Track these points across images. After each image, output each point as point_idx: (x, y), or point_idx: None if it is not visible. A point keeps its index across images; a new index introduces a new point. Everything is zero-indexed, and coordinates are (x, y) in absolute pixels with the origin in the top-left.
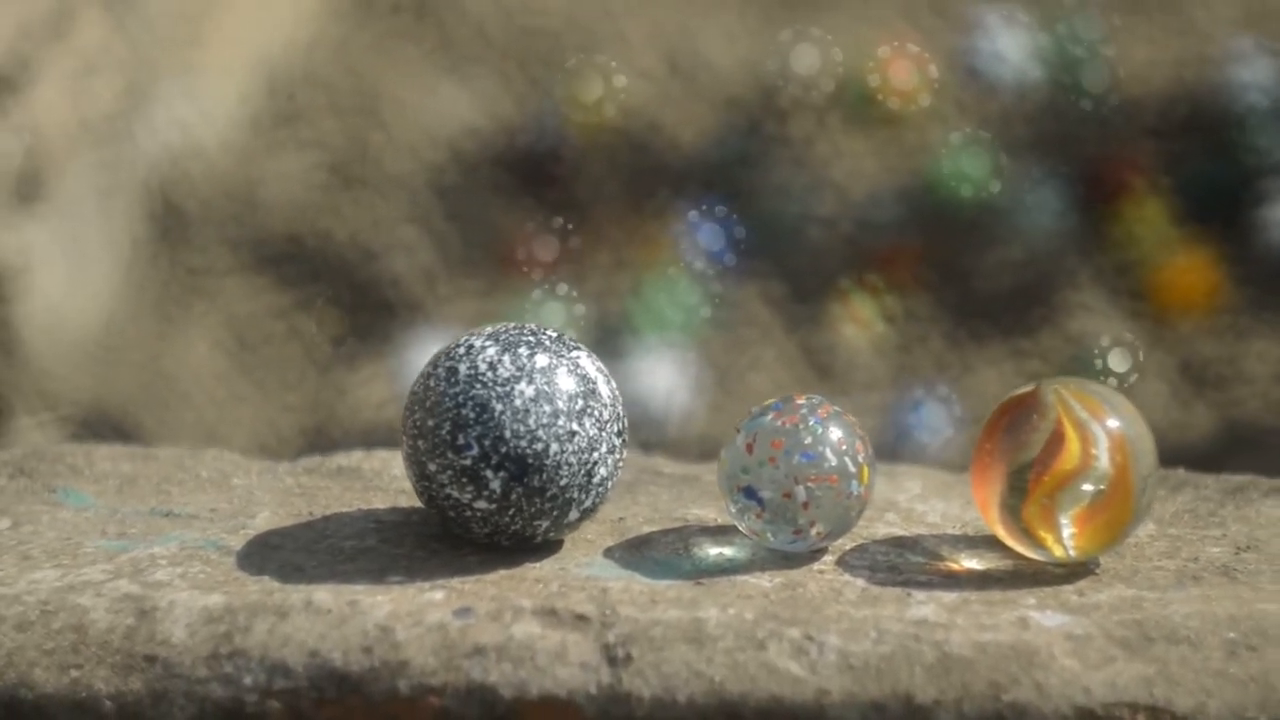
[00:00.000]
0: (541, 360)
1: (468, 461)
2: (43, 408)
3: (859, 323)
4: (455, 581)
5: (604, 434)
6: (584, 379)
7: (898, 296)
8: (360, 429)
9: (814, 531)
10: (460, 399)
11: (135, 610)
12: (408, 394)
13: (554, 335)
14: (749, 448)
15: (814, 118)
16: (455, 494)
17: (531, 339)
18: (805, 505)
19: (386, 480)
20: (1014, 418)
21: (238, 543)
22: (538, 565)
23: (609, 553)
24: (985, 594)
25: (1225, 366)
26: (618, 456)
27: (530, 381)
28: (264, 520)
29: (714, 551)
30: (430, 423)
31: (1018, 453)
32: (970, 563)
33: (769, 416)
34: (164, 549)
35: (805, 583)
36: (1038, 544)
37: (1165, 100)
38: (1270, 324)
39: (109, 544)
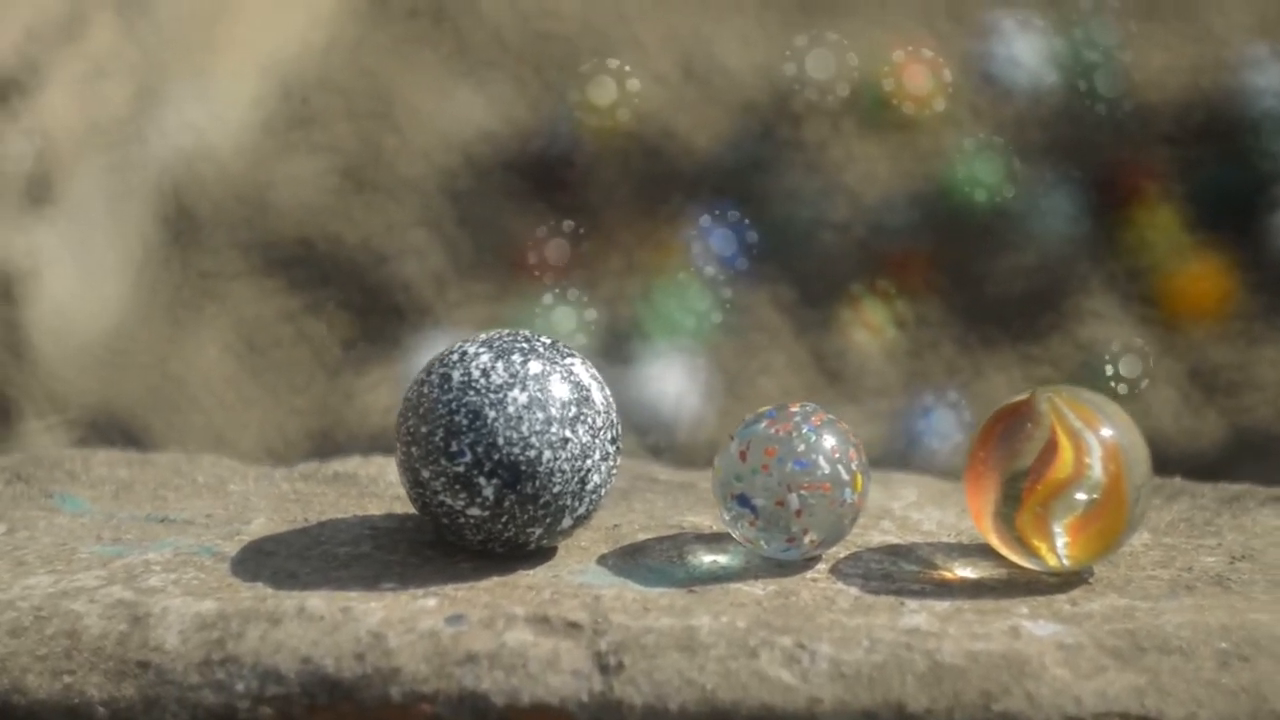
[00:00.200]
0: (535, 367)
1: (461, 468)
2: (51, 411)
3: (870, 328)
4: (448, 588)
5: (597, 441)
6: (577, 386)
7: (909, 302)
8: (368, 433)
9: (807, 539)
10: (454, 405)
11: (128, 616)
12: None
13: (548, 342)
14: (742, 455)
15: (828, 122)
16: (448, 501)
17: (525, 346)
18: (798, 513)
19: (382, 486)
20: (1008, 426)
21: (232, 548)
22: (531, 572)
23: (603, 560)
24: (978, 603)
25: (1236, 373)
26: (611, 464)
27: (523, 388)
28: (259, 526)
29: (708, 559)
30: (424, 429)
31: (1011, 461)
32: (964, 571)
33: (763, 424)
34: (158, 555)
35: (798, 591)
36: (1031, 553)
37: (1180, 106)
38: None
39: (104, 549)
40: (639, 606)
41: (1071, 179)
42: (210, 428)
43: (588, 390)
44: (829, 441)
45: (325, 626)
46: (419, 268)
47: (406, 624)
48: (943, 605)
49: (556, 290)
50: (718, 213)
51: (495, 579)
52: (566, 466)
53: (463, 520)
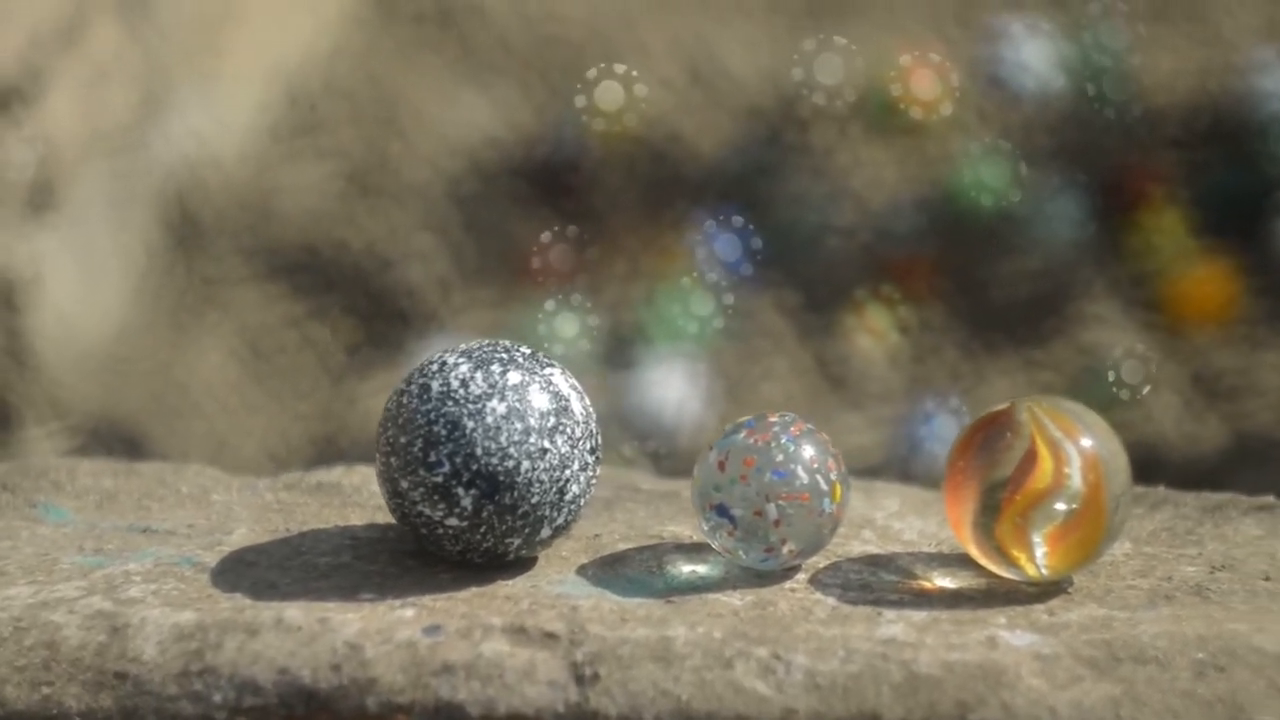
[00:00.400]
0: (514, 377)
1: (439, 479)
2: (53, 418)
3: (873, 333)
4: (427, 599)
5: (576, 451)
6: (556, 396)
7: (913, 307)
8: (370, 439)
9: (785, 549)
10: (432, 416)
11: (107, 627)
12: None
13: (527, 352)
14: (721, 465)
15: (835, 127)
16: (427, 511)
17: (505, 356)
18: (776, 523)
19: (365, 496)
20: (987, 435)
21: (213, 559)
22: (510, 583)
23: (582, 570)
24: (955, 613)
25: (1238, 378)
26: (590, 474)
27: (502, 399)
28: (240, 536)
29: (686, 569)
30: (402, 439)
31: (990, 471)
32: (943, 581)
33: (741, 434)
34: (139, 565)
35: (776, 601)
36: (1010, 563)
37: (1188, 110)
38: None
39: (85, 560)
40: (616, 617)
41: (1077, 183)
42: (213, 434)
43: (567, 400)
44: (808, 451)
45: (302, 637)
46: (424, 273)
47: (384, 634)
48: (920, 615)
49: (560, 296)
50: (723, 218)
51: (474, 589)
52: (545, 477)
53: (441, 531)
